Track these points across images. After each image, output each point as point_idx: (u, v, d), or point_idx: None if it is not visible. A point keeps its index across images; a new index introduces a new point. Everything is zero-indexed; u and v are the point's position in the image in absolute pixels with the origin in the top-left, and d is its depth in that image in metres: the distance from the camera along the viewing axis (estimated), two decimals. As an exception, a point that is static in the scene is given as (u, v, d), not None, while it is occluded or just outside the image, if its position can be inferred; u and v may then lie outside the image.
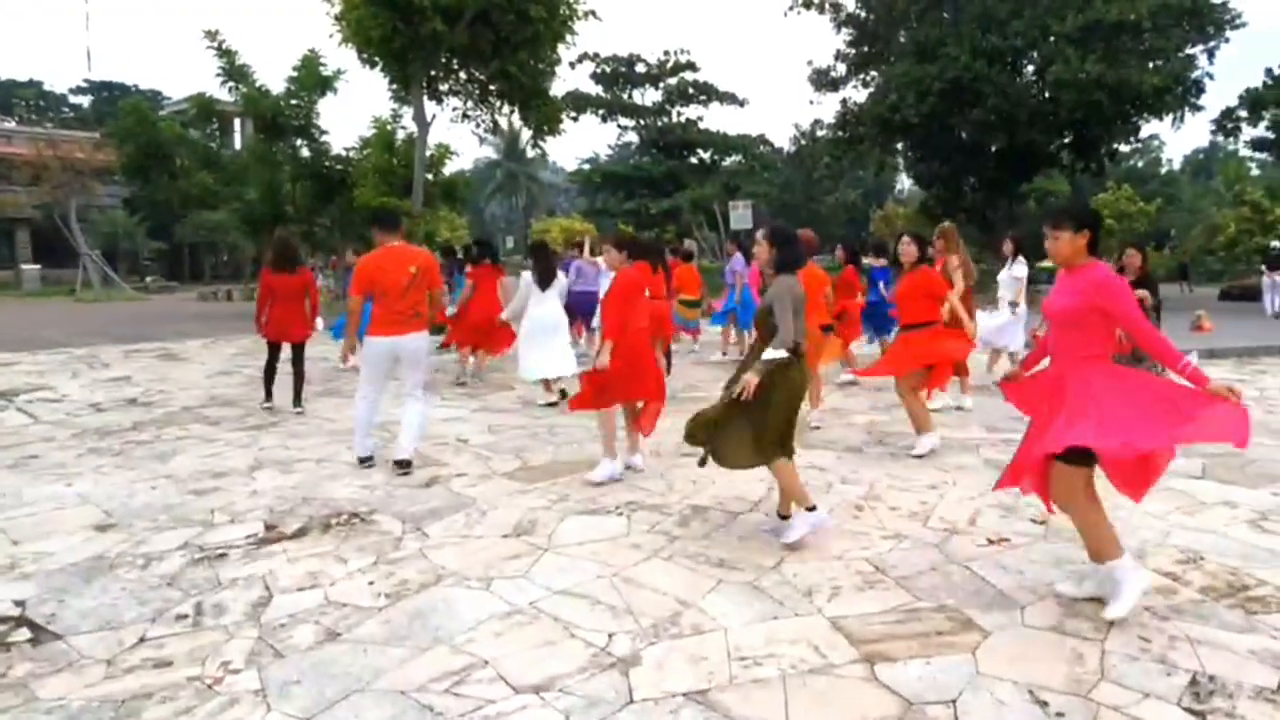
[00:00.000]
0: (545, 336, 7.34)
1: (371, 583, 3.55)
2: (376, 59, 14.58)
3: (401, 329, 5.17)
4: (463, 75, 16.01)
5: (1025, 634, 3.02)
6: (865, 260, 9.02)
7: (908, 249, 5.60)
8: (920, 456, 5.46)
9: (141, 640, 3.05)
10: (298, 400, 7.42)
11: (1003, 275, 8.24)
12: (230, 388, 9.02)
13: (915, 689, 2.64)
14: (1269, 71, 20.52)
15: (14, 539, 4.13)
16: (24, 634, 3.12)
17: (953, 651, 2.88)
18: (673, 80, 37.75)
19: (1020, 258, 8.22)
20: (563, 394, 7.46)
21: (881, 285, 8.50)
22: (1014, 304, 8.09)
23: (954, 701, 2.57)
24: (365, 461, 5.43)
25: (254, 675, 2.79)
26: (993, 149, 23.31)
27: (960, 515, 4.34)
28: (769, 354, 3.72)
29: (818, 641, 2.97)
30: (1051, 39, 21.37)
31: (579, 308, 9.25)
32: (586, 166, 44.64)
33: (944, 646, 2.92)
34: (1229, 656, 2.81)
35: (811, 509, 3.89)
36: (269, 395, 7.55)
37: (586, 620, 3.16)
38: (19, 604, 3.37)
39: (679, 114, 38.66)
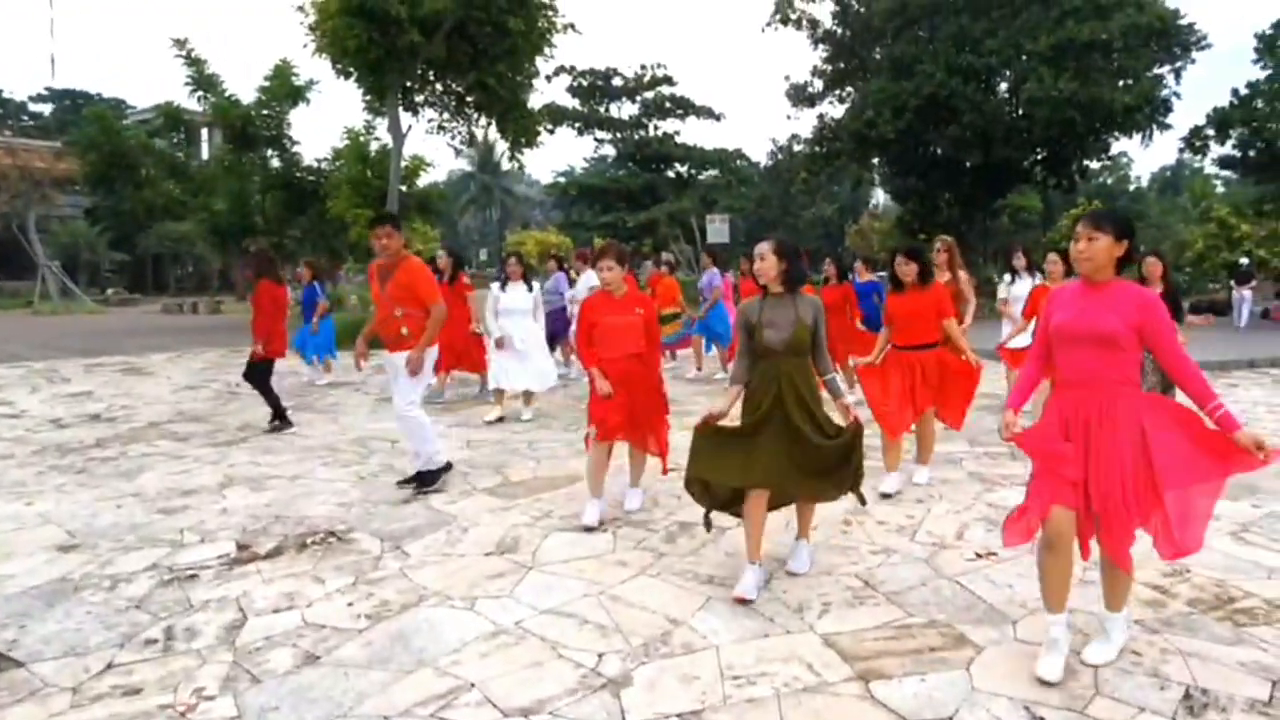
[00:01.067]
0: (521, 347, 7.29)
1: (351, 604, 3.44)
2: (352, 69, 14.45)
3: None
4: (439, 87, 15.93)
5: (1018, 649, 2.99)
6: (852, 275, 8.81)
7: (907, 268, 5.04)
8: (889, 496, 4.92)
9: (109, 667, 2.92)
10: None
11: (1016, 289, 7.69)
12: (198, 403, 8.80)
13: (911, 706, 2.60)
14: (1235, 92, 21.10)
15: (-29, 561, 3.95)
16: (-17, 661, 2.97)
17: (947, 668, 2.85)
18: (650, 94, 37.88)
19: (1033, 272, 7.66)
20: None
21: (877, 298, 8.26)
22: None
23: (951, 718, 2.53)
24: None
25: (229, 702, 2.67)
26: (968, 165, 23.65)
27: (947, 529, 4.32)
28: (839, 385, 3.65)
29: (811, 659, 2.92)
30: (1025, 57, 21.80)
31: (557, 325, 9.16)
32: (562, 179, 44.61)
33: (938, 663, 2.89)
34: (1220, 669, 2.81)
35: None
36: (286, 418, 7.25)
37: (575, 640, 3.08)
38: (-23, 630, 3.21)
39: (656, 127, 38.77)
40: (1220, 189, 40.35)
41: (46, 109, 54.56)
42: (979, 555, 3.90)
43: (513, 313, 7.38)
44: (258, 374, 7.14)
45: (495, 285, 7.60)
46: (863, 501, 3.86)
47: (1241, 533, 4.24)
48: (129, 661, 2.96)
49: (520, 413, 7.53)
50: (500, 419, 7.35)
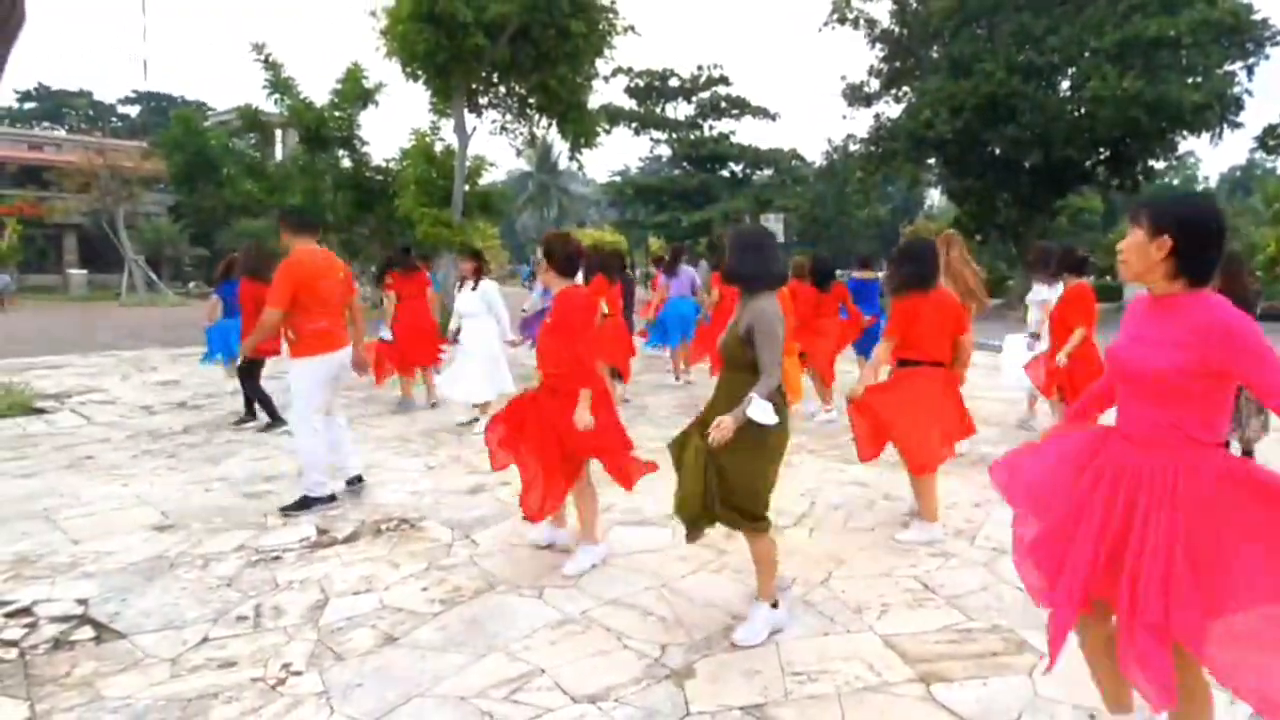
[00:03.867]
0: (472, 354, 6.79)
1: (425, 588, 3.61)
2: (420, 72, 14.87)
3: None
4: (502, 89, 16.27)
5: (1081, 656, 2.97)
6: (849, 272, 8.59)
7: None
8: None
9: (204, 640, 3.13)
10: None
11: (1036, 294, 7.09)
12: (278, 394, 9.17)
13: (973, 710, 2.63)
14: (1316, 88, 20.10)
15: (74, 538, 4.26)
16: (87, 632, 3.21)
17: (1009, 673, 2.86)
18: (705, 94, 37.87)
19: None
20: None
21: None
22: (1035, 335, 6.88)
23: (1014, 723, 2.55)
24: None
25: (316, 678, 2.85)
26: (1027, 165, 23.05)
27: (1006, 535, 4.26)
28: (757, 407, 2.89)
29: (872, 659, 2.96)
30: (1089, 55, 21.14)
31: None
32: (618, 179, 44.89)
33: (1000, 667, 2.90)
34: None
35: (775, 605, 3.19)
36: (278, 416, 7.08)
37: (639, 631, 3.19)
38: (81, 602, 3.47)
39: (711, 127, 38.75)
40: (1295, 189, 38.35)
41: (134, 111, 57.29)
42: (1043, 563, 3.86)
43: (465, 316, 6.87)
44: (249, 372, 7.15)
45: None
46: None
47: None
48: (222, 636, 3.17)
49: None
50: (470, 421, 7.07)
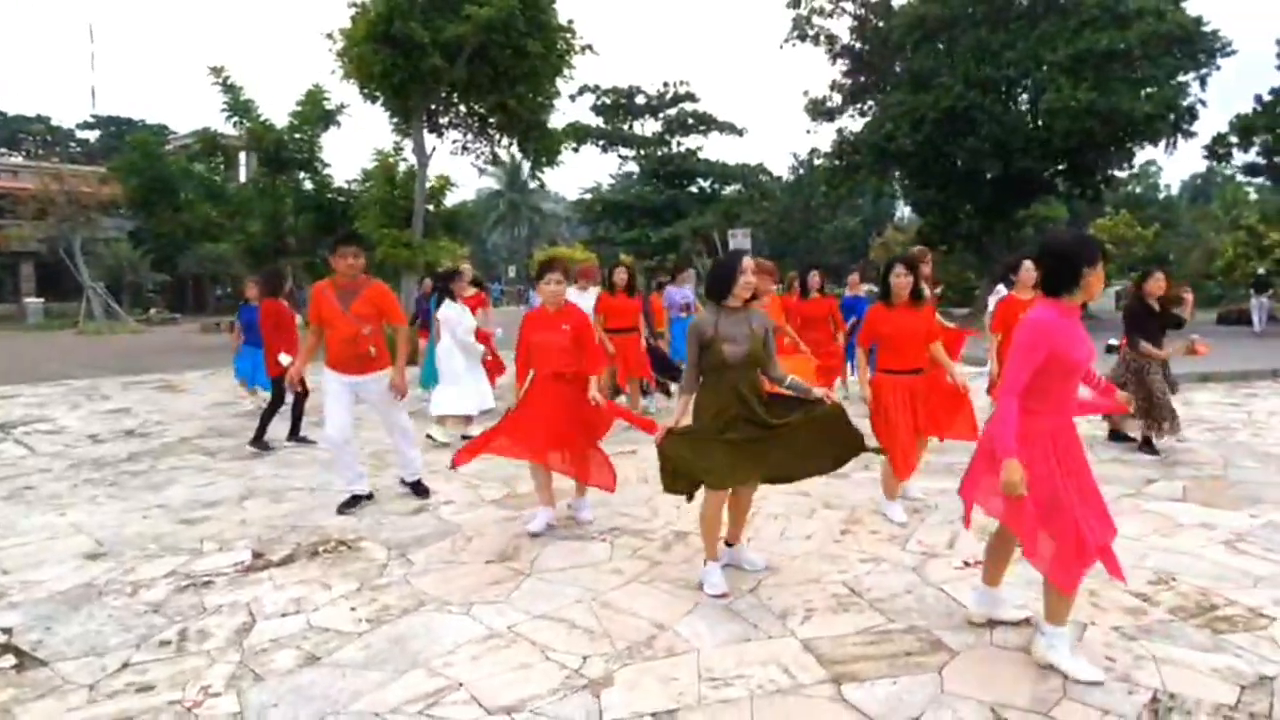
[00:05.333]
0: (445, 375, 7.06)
1: (354, 609, 3.60)
2: (377, 93, 14.89)
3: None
4: (462, 109, 16.32)
5: (993, 654, 3.06)
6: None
7: (906, 279, 4.58)
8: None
9: (125, 666, 3.11)
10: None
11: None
12: (228, 419, 9.10)
13: (880, 709, 2.69)
14: (1258, 98, 20.79)
15: (5, 569, 4.20)
16: (9, 660, 3.18)
17: (920, 671, 2.93)
18: (672, 111, 38.23)
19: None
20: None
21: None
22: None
23: (917, 719, 2.62)
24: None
25: (233, 699, 2.84)
26: (988, 176, 23.56)
27: (939, 539, 4.38)
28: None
29: (788, 663, 3.02)
30: (1044, 68, 21.70)
31: None
32: (588, 196, 45.10)
33: (912, 667, 2.97)
34: (1192, 675, 2.86)
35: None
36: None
37: (563, 643, 3.21)
38: (5, 631, 3.43)
39: (679, 144, 39.09)
40: (1253, 196, 39.54)
41: (93, 135, 56.51)
42: (966, 564, 3.96)
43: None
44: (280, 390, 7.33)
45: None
46: (880, 452, 4.26)
47: (1236, 542, 4.24)
48: (143, 661, 3.15)
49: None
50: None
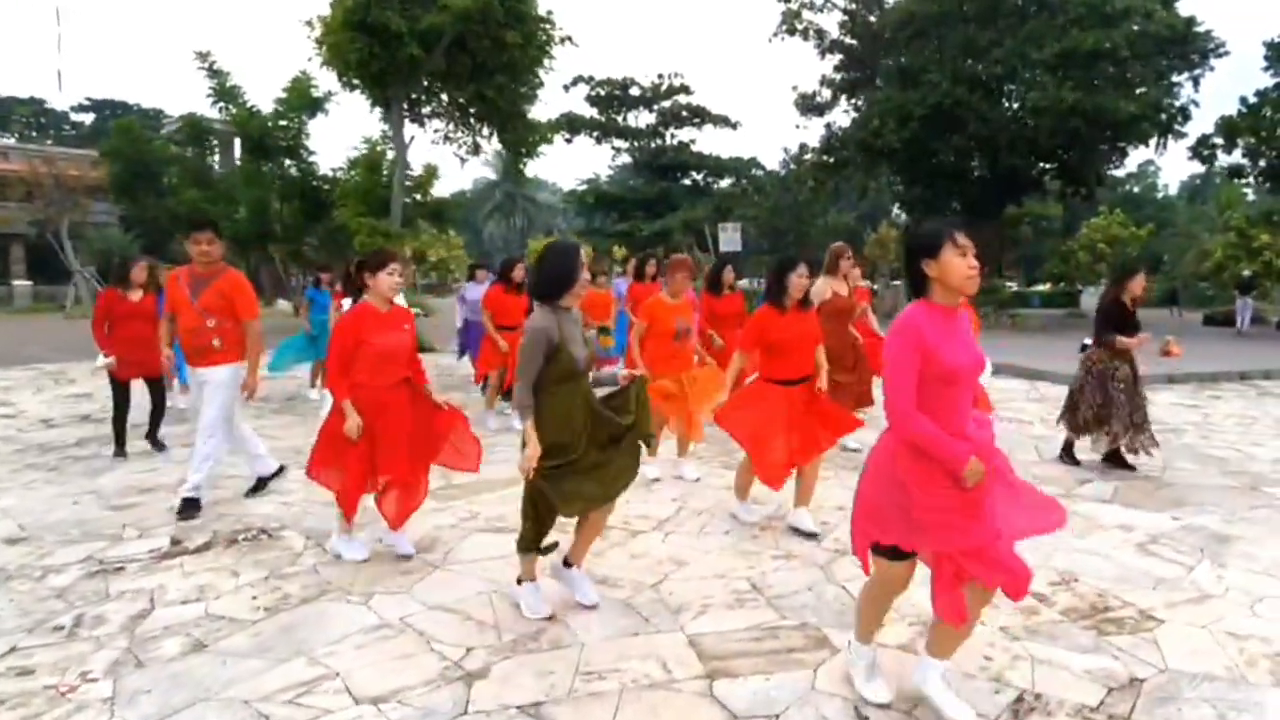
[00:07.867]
0: None
1: (255, 597, 3.62)
2: (356, 82, 14.85)
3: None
4: (444, 98, 16.27)
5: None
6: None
7: (804, 281, 4.26)
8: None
9: (11, 650, 3.12)
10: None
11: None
12: (187, 403, 9.08)
13: (744, 705, 2.70)
14: (1243, 100, 20.78)
15: (-77, 551, 4.21)
16: (-99, 643, 3.19)
17: (796, 668, 2.94)
18: (666, 103, 38.24)
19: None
20: None
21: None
22: None
23: (778, 717, 2.63)
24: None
25: (109, 685, 2.86)
26: (975, 174, 23.57)
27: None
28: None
29: (667, 658, 3.03)
30: (1031, 67, 21.68)
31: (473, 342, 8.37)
32: (583, 188, 45.05)
33: (790, 664, 2.98)
34: (1063, 676, 2.88)
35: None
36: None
37: (451, 635, 3.23)
38: (-93, 614, 3.44)
39: (672, 136, 39.13)
40: (1251, 197, 39.56)
41: (87, 118, 56.32)
42: (873, 562, 3.96)
43: None
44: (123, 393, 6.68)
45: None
46: (647, 444, 3.47)
47: (1150, 544, 4.26)
48: (31, 646, 3.16)
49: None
50: None
